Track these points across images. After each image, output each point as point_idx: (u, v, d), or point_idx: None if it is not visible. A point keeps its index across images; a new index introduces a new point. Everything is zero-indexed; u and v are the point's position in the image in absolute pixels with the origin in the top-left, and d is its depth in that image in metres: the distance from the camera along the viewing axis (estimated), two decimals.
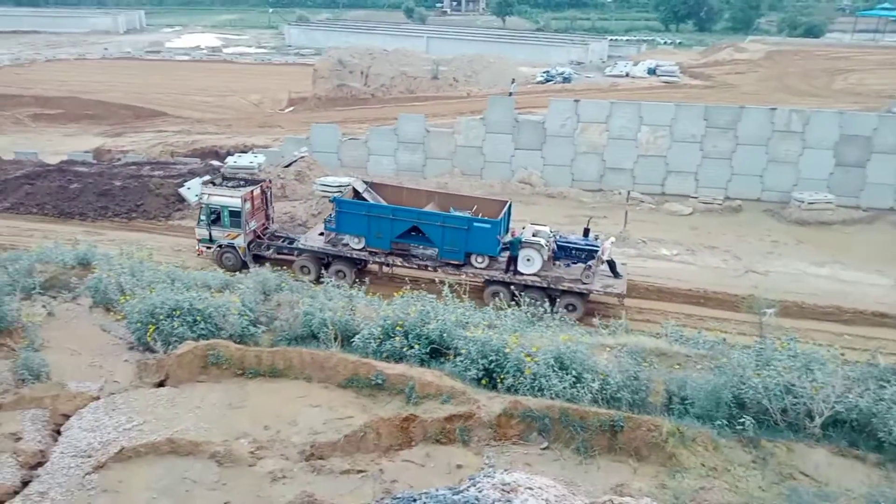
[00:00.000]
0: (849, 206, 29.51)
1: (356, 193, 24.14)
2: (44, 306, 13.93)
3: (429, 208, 23.17)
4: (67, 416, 9.89)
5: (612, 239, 22.62)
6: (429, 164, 33.59)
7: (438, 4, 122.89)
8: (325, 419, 9.88)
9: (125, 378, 11.14)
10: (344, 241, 23.32)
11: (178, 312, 11.99)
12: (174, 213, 29.05)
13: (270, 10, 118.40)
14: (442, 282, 16.82)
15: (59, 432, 9.58)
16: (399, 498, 7.20)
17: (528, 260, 21.37)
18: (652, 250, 25.84)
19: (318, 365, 10.94)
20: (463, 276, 21.80)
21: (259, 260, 23.79)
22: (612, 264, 21.65)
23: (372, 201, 23.86)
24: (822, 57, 59.44)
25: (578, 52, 71.45)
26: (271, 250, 24.66)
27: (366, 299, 14.64)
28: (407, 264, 22.72)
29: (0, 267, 15.61)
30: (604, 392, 10.28)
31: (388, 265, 23.16)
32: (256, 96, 54.62)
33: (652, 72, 54.72)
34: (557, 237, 22.26)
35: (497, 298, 18.37)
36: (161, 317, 11.94)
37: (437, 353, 11.63)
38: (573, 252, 21.79)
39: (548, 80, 53.95)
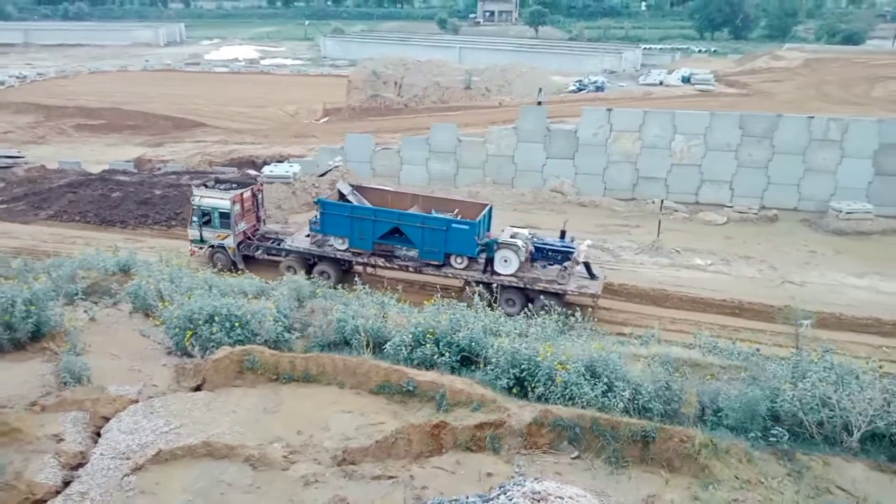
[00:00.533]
0: (888, 216, 28.87)
1: (341, 196, 24.63)
2: (85, 311, 14.29)
3: (412, 211, 23.65)
4: (107, 419, 10.13)
5: (588, 241, 23.15)
6: (460, 174, 33.73)
7: (471, 15, 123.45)
8: (356, 425, 9.98)
9: (163, 382, 11.39)
10: (329, 243, 23.95)
11: (215, 318, 12.23)
12: None
13: (307, 22, 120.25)
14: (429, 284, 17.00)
15: (98, 434, 9.81)
16: None
17: (506, 261, 21.86)
18: (686, 260, 25.56)
19: (350, 371, 11.07)
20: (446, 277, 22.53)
21: (249, 260, 24.56)
22: (588, 266, 22.05)
23: (356, 203, 24.24)
24: (861, 64, 58.29)
25: (612, 61, 71.11)
26: (260, 251, 25.31)
27: (397, 307, 14.77)
28: (389, 265, 23.34)
29: (44, 273, 16.10)
30: (635, 402, 10.22)
31: (371, 266, 23.70)
32: (292, 107, 55.42)
33: (686, 80, 54.21)
34: (534, 239, 22.70)
35: (473, 291, 18.78)
36: (199, 322, 12.18)
37: (467, 361, 11.69)
38: (550, 254, 22.29)
39: (580, 90, 53.80)
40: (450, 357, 11.47)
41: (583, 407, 10.04)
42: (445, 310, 12.82)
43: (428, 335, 11.76)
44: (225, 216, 24.43)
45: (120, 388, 11.01)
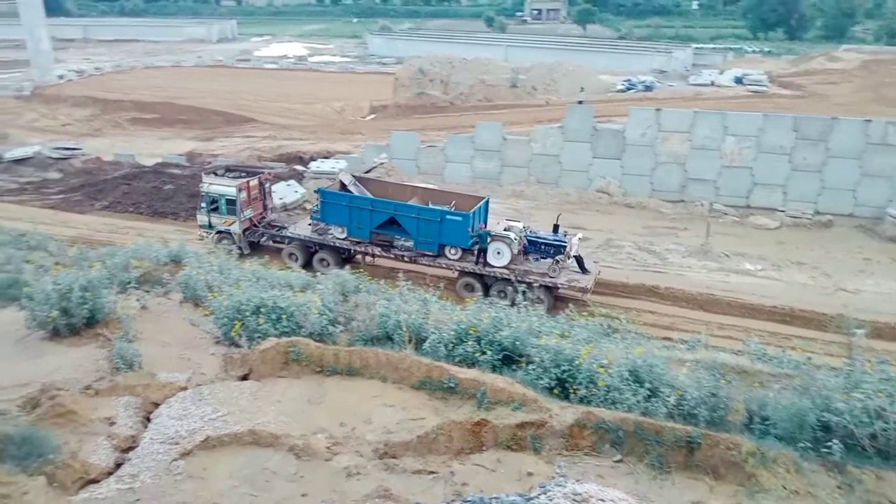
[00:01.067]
0: None
1: (343, 186, 25.32)
2: (137, 300, 14.67)
3: (412, 202, 24.15)
4: (157, 405, 10.39)
5: (580, 235, 23.43)
6: (505, 172, 33.67)
7: (519, 13, 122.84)
8: (398, 419, 10.05)
9: (211, 370, 11.64)
10: (330, 232, 24.67)
11: (262, 310, 12.44)
12: None
13: (355, 20, 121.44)
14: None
15: (149, 419, 10.08)
16: (470, 501, 7.29)
17: (499, 253, 22.52)
18: (735, 265, 25.06)
19: (392, 366, 11.14)
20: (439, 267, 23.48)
21: (254, 247, 25.44)
22: (579, 260, 22.37)
23: (357, 193, 24.86)
24: None
25: (661, 60, 69.95)
26: (265, 238, 26.20)
27: (439, 303, 14.81)
28: (386, 254, 24.26)
29: (99, 261, 16.60)
30: (680, 408, 10.05)
31: (369, 255, 24.53)
32: (339, 104, 55.97)
33: (739, 81, 53.00)
34: (528, 232, 23.05)
35: (470, 289, 20.77)
36: (247, 313, 12.40)
37: (509, 360, 11.65)
38: (542, 247, 22.62)
39: (629, 89, 53.09)
40: (491, 355, 11.44)
41: (626, 410, 9.91)
42: (487, 308, 12.81)
43: (470, 332, 11.76)
44: (231, 203, 25.47)
45: (170, 374, 11.29)
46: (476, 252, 22.89)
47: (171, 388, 10.80)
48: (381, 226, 23.77)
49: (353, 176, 26.66)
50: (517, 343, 11.65)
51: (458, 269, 23.28)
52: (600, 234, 27.91)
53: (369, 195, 24.99)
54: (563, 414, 9.84)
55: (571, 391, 10.59)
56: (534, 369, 10.95)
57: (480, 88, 54.35)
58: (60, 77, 65.07)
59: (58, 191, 33.67)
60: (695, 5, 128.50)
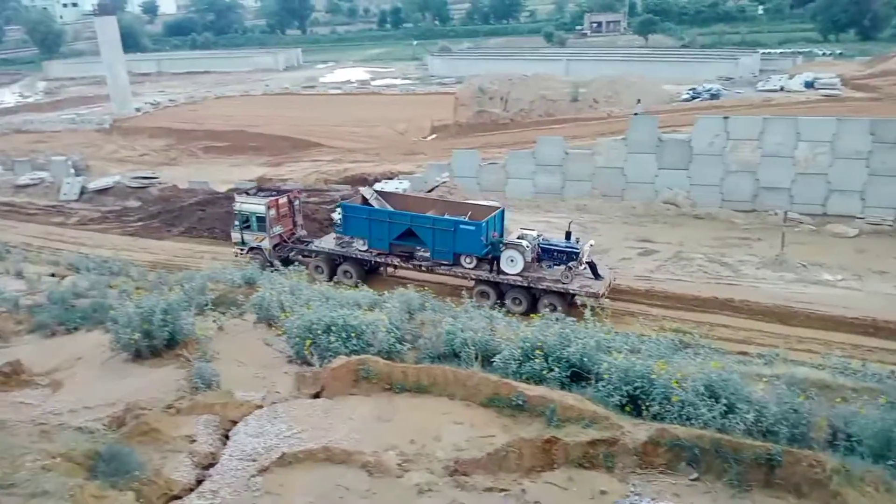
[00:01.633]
0: None
1: (364, 200, 26.17)
2: (214, 321, 15.21)
3: (429, 214, 24.62)
4: (235, 423, 10.70)
5: (592, 242, 23.49)
6: (567, 186, 33.44)
7: (578, 27, 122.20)
8: (467, 437, 10.06)
9: (285, 389, 11.93)
10: (353, 244, 25.45)
11: (332, 328, 12.71)
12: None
13: (415, 42, 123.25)
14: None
15: (227, 437, 10.39)
16: None
17: (512, 261, 22.81)
18: (813, 275, 24.10)
19: (460, 383, 11.17)
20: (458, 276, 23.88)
21: (285, 262, 26.02)
22: (592, 266, 22.38)
23: (377, 207, 25.66)
24: None
25: (727, 67, 68.39)
26: (294, 252, 27.17)
27: (505, 320, 14.79)
28: (405, 265, 24.91)
29: (177, 285, 17.33)
30: (759, 424, 9.71)
31: (390, 266, 25.37)
32: (402, 125, 56.84)
33: (809, 85, 51.36)
34: (541, 240, 23.24)
35: (485, 297, 21.97)
36: (318, 332, 12.69)
37: (577, 376, 11.50)
38: (555, 254, 22.94)
39: (694, 98, 52.09)
40: (559, 372, 11.33)
41: (701, 427, 9.65)
42: (553, 323, 12.71)
43: (537, 350, 11.69)
44: (261, 220, 26.49)
45: (246, 393, 11.63)
46: (490, 260, 23.30)
47: (247, 407, 11.10)
48: (399, 237, 24.47)
49: (375, 191, 27.71)
50: (585, 359, 11.51)
51: (474, 277, 23.65)
52: (669, 246, 27.33)
53: (390, 208, 25.82)
54: (636, 431, 9.65)
55: (644, 408, 10.37)
56: (604, 386, 10.78)
57: (541, 104, 54.32)
58: (138, 110, 68.44)
59: (137, 218, 35.30)
60: (760, 10, 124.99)
